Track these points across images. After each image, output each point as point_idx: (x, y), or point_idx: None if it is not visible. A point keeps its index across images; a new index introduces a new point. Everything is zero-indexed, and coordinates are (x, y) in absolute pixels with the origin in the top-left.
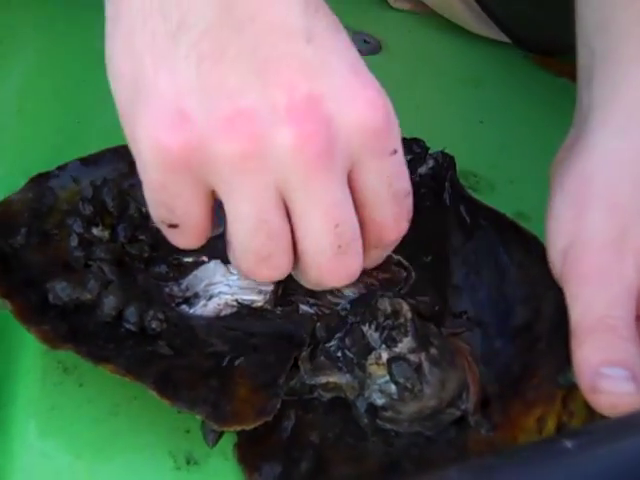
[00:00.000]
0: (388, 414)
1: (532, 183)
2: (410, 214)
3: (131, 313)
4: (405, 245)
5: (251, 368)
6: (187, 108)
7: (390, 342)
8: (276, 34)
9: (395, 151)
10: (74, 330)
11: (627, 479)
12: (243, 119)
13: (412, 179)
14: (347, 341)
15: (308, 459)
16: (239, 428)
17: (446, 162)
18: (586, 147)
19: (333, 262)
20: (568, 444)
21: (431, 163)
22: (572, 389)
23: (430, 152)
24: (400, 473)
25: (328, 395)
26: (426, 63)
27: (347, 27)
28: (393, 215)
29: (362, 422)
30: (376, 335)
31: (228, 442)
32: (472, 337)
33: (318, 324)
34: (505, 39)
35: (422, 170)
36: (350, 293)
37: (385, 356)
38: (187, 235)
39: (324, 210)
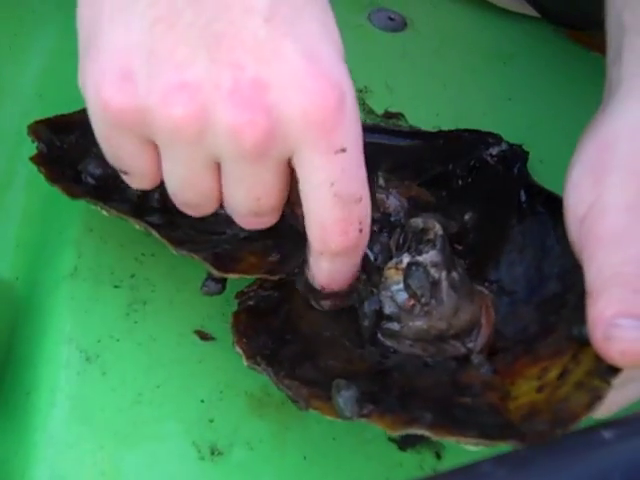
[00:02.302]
0: (393, 326)
1: (562, 162)
2: (363, 223)
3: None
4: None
5: (264, 248)
6: (133, 68)
7: (415, 251)
8: (235, 8)
9: (343, 149)
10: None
11: None
12: (185, 92)
13: (480, 157)
14: (373, 247)
15: (299, 344)
16: (237, 276)
17: (518, 153)
18: (610, 117)
19: (249, 220)
20: (606, 434)
21: (504, 146)
22: (584, 346)
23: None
24: (388, 382)
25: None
26: (453, 39)
27: (372, 3)
28: (335, 219)
29: (364, 324)
30: (399, 242)
31: (252, 432)
32: (498, 302)
33: None
34: (534, 13)
35: (493, 150)
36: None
37: (406, 261)
38: (138, 181)
39: (249, 188)
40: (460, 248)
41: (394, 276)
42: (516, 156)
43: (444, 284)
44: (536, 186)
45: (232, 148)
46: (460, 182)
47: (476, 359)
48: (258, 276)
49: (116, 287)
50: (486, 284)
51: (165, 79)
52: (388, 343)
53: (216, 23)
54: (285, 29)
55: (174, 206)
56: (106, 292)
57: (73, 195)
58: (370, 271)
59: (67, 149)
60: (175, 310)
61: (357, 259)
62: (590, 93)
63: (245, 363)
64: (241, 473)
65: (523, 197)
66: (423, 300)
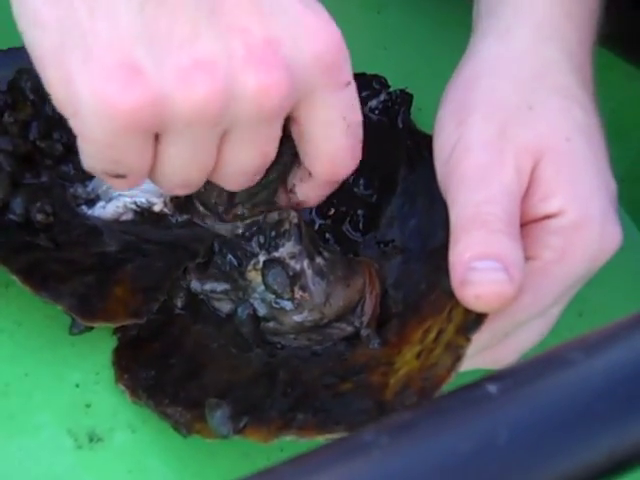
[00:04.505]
0: (271, 325)
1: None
2: (361, 143)
3: (17, 204)
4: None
5: (135, 271)
6: (136, 59)
7: (271, 248)
8: None
9: (349, 82)
10: None
11: (555, 419)
12: (202, 70)
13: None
14: (233, 252)
15: (183, 364)
16: (104, 325)
17: (400, 98)
18: (470, 56)
19: (251, 179)
20: (491, 388)
21: (382, 97)
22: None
23: (391, 90)
24: (273, 382)
25: (222, 306)
26: None
27: None
28: (348, 147)
29: (243, 331)
30: (260, 242)
31: (133, 414)
32: (392, 263)
33: (216, 238)
34: None
35: (372, 104)
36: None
37: (262, 260)
38: (133, 180)
39: (261, 146)
40: (327, 222)
41: (256, 278)
42: (400, 102)
43: (308, 273)
44: (420, 132)
45: (256, 112)
46: None
47: (365, 333)
48: (124, 324)
49: None
50: (381, 246)
51: (175, 61)
52: (274, 339)
53: None
54: None
55: (36, 219)
56: None
57: None
58: (236, 278)
59: None
60: None
61: None
62: (464, 38)
63: (129, 399)
64: (124, 458)
65: (410, 146)
66: (284, 295)
